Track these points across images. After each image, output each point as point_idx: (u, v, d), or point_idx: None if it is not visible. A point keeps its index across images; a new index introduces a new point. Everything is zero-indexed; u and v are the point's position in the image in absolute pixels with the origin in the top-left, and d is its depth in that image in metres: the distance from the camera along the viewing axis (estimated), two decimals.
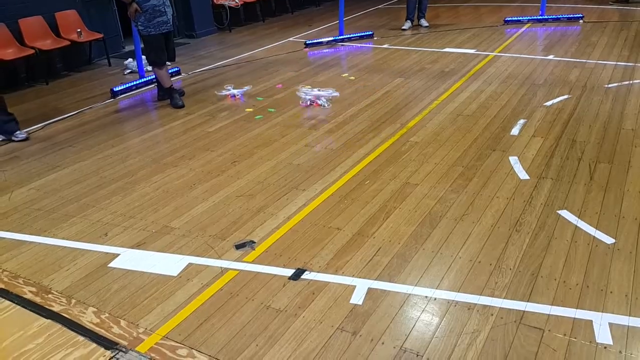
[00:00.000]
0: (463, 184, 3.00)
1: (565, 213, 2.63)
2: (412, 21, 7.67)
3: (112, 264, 2.52)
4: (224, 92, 5.37)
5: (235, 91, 5.40)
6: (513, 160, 3.23)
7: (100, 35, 6.75)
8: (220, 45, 7.65)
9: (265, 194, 3.11)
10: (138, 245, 2.67)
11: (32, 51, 6.12)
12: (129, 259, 2.56)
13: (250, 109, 4.71)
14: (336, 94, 4.81)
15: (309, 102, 4.73)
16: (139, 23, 4.70)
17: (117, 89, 5.54)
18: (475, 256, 2.35)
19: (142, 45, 5.39)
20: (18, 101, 5.70)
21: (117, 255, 2.60)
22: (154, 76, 6.02)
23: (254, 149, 3.80)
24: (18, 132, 4.44)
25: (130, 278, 2.42)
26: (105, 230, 2.84)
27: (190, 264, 2.48)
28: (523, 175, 3.04)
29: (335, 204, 2.93)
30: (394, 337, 1.95)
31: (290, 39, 7.75)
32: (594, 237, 2.43)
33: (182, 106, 4.95)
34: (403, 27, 7.63)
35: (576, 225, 2.52)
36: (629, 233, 2.43)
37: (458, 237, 2.51)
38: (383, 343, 1.93)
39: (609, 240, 2.39)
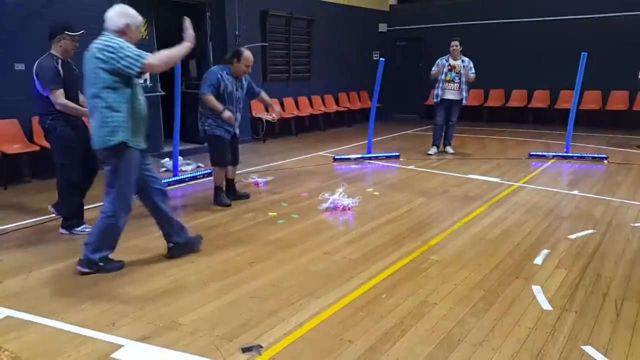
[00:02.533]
0: (484, 308, 2.89)
1: (589, 349, 2.47)
2: (437, 147, 8.00)
3: (115, 355, 2.44)
4: (250, 180, 5.91)
5: (259, 179, 5.87)
6: (536, 289, 3.13)
7: None
8: (253, 153, 8.06)
9: (279, 298, 3.05)
10: (143, 339, 2.59)
11: None
12: (133, 352, 2.47)
13: (274, 213, 4.81)
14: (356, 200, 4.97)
15: (332, 206, 4.84)
16: (207, 124, 4.99)
17: None
18: None
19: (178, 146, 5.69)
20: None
21: (122, 346, 2.52)
22: (187, 176, 6.32)
23: (272, 252, 3.81)
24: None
25: None
26: (113, 320, 2.79)
27: None
28: (546, 305, 2.92)
29: (349, 315, 2.84)
30: None
31: (320, 153, 8.13)
32: None
33: (228, 205, 5.04)
34: (429, 152, 7.94)
35: None
36: None
37: None
38: None
39: None
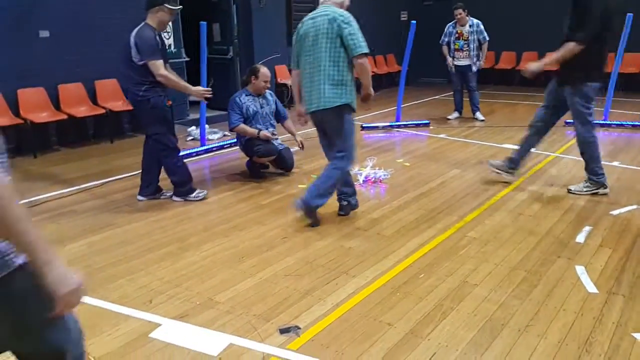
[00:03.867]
0: (527, 290, 2.79)
1: None
2: (459, 113, 7.83)
3: (153, 334, 2.44)
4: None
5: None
6: (580, 270, 3.01)
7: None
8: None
9: (314, 276, 3.01)
10: (181, 317, 2.59)
11: (104, 111, 6.56)
12: (171, 331, 2.47)
13: (304, 185, 4.73)
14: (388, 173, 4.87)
15: (364, 179, 4.77)
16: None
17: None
18: None
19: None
20: (84, 156, 6.02)
21: (159, 325, 2.52)
22: (214, 145, 6.26)
23: (304, 228, 3.75)
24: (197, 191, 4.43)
25: (170, 351, 2.32)
26: (150, 297, 2.79)
27: (231, 345, 2.36)
28: (591, 288, 2.81)
29: (387, 295, 2.78)
30: None
31: None
32: None
33: (261, 177, 5.00)
34: (448, 117, 7.80)
35: None
36: None
37: (522, 350, 2.29)
38: None
39: None
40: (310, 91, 3.53)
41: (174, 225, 3.86)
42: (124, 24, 6.45)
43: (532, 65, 4.14)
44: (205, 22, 5.96)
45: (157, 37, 3.98)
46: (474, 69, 7.49)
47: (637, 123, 6.99)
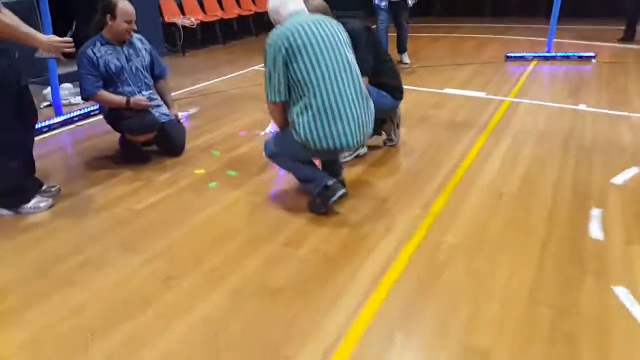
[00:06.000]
0: (565, 350, 1.75)
1: None
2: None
3: None
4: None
5: (180, 114, 3.90)
6: (623, 294, 2.03)
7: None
8: (171, 72, 6.25)
9: None
10: None
11: None
12: None
13: (202, 170, 3.37)
14: None
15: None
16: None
17: None
18: None
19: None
20: None
21: None
22: (76, 114, 4.58)
23: (203, 252, 2.43)
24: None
25: None
26: None
27: None
28: None
29: None
30: None
31: (256, 67, 6.50)
32: None
33: (145, 158, 3.56)
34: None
35: None
36: None
37: None
38: None
39: None
40: (349, 119, 2.52)
41: None
42: None
43: None
44: None
45: None
46: (410, 2, 6.15)
47: (583, 54, 6.23)
